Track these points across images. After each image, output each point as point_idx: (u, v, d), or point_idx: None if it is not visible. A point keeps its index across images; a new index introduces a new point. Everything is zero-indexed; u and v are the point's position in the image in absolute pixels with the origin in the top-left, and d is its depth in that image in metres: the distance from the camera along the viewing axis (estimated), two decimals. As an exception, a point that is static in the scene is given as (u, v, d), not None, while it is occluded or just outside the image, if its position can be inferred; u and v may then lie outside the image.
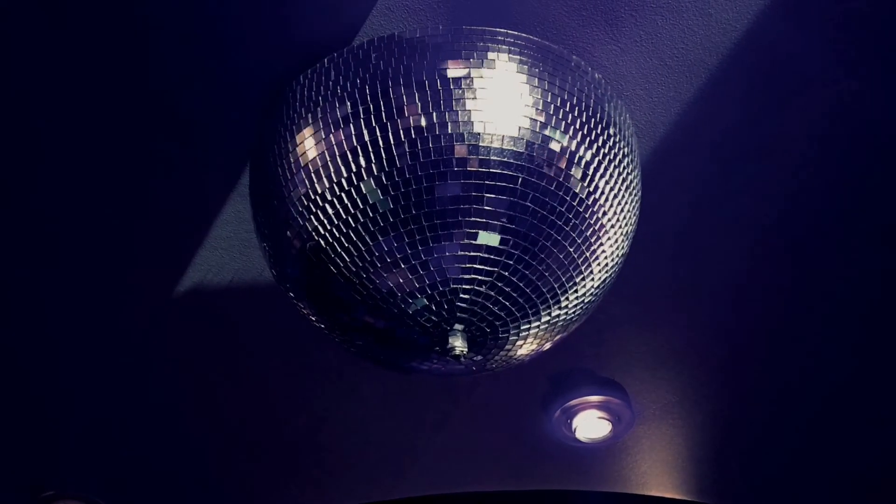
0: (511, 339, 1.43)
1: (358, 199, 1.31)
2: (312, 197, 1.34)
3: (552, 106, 1.33)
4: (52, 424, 2.14)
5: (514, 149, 1.30)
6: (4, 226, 1.68)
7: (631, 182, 1.44)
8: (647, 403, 2.18)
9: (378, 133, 1.29)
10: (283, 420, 2.19)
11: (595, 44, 1.46)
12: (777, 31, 1.46)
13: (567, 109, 1.34)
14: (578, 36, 1.45)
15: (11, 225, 1.68)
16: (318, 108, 1.35)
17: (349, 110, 1.32)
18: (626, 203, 1.42)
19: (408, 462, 2.34)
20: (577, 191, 1.34)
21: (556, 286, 1.39)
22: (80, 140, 1.56)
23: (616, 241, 1.43)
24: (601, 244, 1.40)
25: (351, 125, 1.31)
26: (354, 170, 1.31)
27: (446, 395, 2.15)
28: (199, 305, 1.87)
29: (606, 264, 1.43)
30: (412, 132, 1.29)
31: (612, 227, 1.40)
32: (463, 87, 1.30)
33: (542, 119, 1.31)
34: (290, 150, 1.37)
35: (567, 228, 1.35)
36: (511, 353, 1.46)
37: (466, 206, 1.30)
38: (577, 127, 1.34)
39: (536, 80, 1.33)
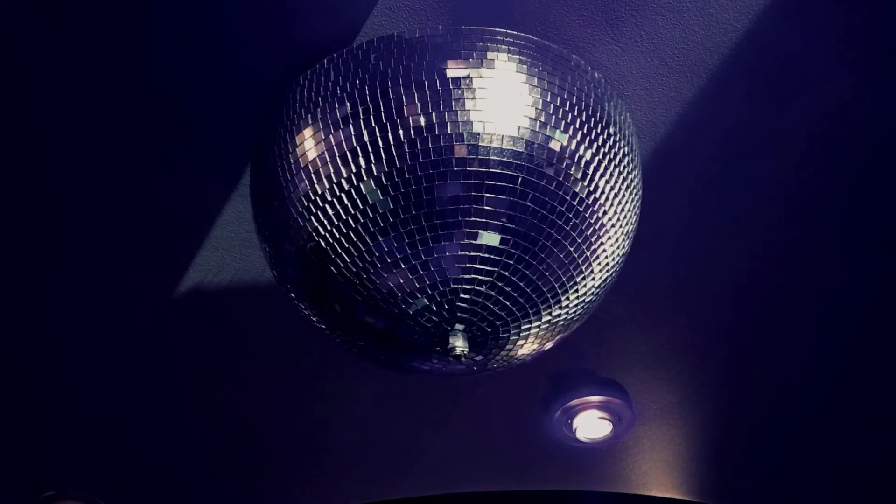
0: (512, 338, 1.43)
1: (358, 200, 1.31)
2: (312, 197, 1.34)
3: (552, 105, 1.33)
4: (52, 424, 2.14)
5: (514, 148, 1.30)
6: (4, 226, 1.68)
7: (631, 181, 1.44)
8: (648, 403, 2.18)
9: (378, 133, 1.29)
10: (284, 420, 2.19)
11: (596, 44, 1.46)
12: (777, 31, 1.46)
13: (567, 109, 1.34)
14: (579, 36, 1.45)
15: (11, 225, 1.68)
16: (318, 109, 1.35)
17: (349, 111, 1.32)
18: (626, 202, 1.42)
19: (408, 462, 2.34)
20: (577, 190, 1.34)
21: (556, 286, 1.39)
22: (80, 140, 1.56)
23: (616, 240, 1.43)
24: (602, 243, 1.40)
25: (351, 125, 1.31)
26: (354, 170, 1.31)
27: (447, 396, 2.15)
28: (199, 305, 1.87)
29: (607, 264, 1.43)
30: (412, 132, 1.29)
31: (613, 226, 1.40)
32: (463, 87, 1.30)
33: (541, 119, 1.31)
34: (291, 150, 1.37)
35: (567, 228, 1.35)
36: (512, 353, 1.46)
37: (466, 206, 1.30)
38: (577, 126, 1.34)
39: (536, 79, 1.33)
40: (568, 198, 1.34)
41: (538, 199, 1.32)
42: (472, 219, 1.30)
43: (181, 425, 2.19)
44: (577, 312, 1.46)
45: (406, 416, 2.20)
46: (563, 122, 1.33)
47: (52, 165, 1.59)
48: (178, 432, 2.21)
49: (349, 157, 1.31)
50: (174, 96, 1.51)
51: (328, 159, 1.32)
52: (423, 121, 1.29)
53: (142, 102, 1.51)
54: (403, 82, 1.30)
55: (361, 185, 1.31)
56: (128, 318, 1.89)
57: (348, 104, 1.32)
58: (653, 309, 1.94)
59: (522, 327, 1.42)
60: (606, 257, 1.42)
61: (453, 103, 1.29)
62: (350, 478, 2.40)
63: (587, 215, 1.36)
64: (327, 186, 1.33)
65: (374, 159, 1.30)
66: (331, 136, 1.32)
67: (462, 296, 1.35)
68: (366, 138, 1.30)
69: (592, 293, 1.45)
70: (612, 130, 1.39)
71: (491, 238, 1.32)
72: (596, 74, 1.42)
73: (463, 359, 1.38)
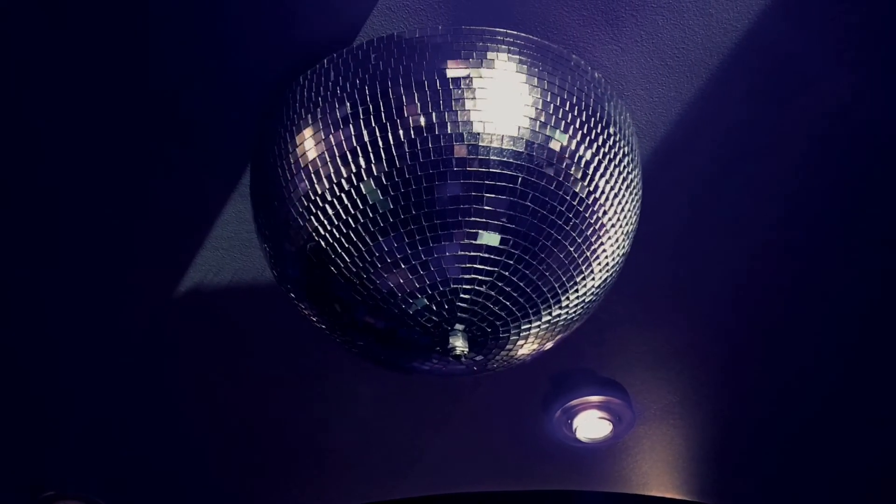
0: (512, 338, 1.43)
1: (358, 200, 1.31)
2: (312, 197, 1.34)
3: (552, 105, 1.32)
4: (52, 424, 2.14)
5: (514, 148, 1.30)
6: (4, 226, 1.68)
7: (631, 181, 1.44)
8: (648, 403, 2.18)
9: (378, 133, 1.29)
10: (284, 420, 2.19)
11: (596, 44, 1.46)
12: (777, 31, 1.46)
13: (567, 109, 1.34)
14: (579, 36, 1.45)
15: (11, 225, 1.68)
16: (319, 109, 1.35)
17: (349, 111, 1.32)
18: (626, 202, 1.42)
19: (408, 462, 2.34)
20: (577, 190, 1.34)
21: (556, 286, 1.39)
22: (80, 140, 1.56)
23: (617, 240, 1.42)
24: (602, 243, 1.40)
25: (351, 126, 1.31)
26: (354, 170, 1.31)
27: (447, 396, 2.15)
28: (199, 305, 1.87)
29: (607, 263, 1.43)
30: (412, 132, 1.29)
31: (613, 226, 1.40)
32: (462, 87, 1.30)
33: (541, 119, 1.31)
34: (290, 150, 1.37)
35: (567, 228, 1.35)
36: (512, 353, 1.46)
37: (466, 206, 1.30)
38: (577, 126, 1.34)
39: (536, 79, 1.33)
40: (568, 198, 1.34)
41: (538, 199, 1.32)
42: (472, 219, 1.30)
43: (181, 425, 2.19)
44: (578, 312, 1.46)
45: (406, 416, 2.20)
46: (563, 122, 1.33)
47: (52, 165, 1.59)
48: (178, 432, 2.21)
49: (349, 157, 1.31)
50: (174, 96, 1.51)
51: (328, 159, 1.32)
52: (423, 121, 1.29)
53: (142, 102, 1.51)
54: (403, 82, 1.30)
55: (361, 185, 1.31)
56: (128, 318, 1.89)
57: (348, 104, 1.32)
58: (653, 309, 1.94)
59: (522, 327, 1.42)
60: (606, 257, 1.42)
61: (453, 103, 1.29)
62: (350, 478, 2.40)
63: (587, 215, 1.36)
64: (327, 186, 1.33)
65: (374, 159, 1.30)
66: (331, 136, 1.32)
67: (462, 296, 1.35)
68: (366, 138, 1.30)
69: (592, 293, 1.45)
70: (612, 130, 1.39)
71: (491, 238, 1.32)
72: (596, 74, 1.42)
73: (463, 359, 1.38)
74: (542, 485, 2.43)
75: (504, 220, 1.31)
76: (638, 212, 1.49)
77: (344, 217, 1.32)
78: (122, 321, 1.89)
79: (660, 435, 2.28)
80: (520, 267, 1.35)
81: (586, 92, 1.37)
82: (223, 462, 2.32)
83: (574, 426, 2.19)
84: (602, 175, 1.36)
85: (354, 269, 1.35)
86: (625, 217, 1.43)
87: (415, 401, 2.15)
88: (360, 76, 1.32)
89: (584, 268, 1.40)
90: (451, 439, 2.27)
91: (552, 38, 1.44)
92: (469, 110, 1.29)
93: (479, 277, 1.34)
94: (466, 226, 1.31)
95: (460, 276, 1.33)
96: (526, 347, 1.46)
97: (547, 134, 1.31)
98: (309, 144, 1.34)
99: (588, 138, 1.35)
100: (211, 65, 1.46)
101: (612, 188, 1.38)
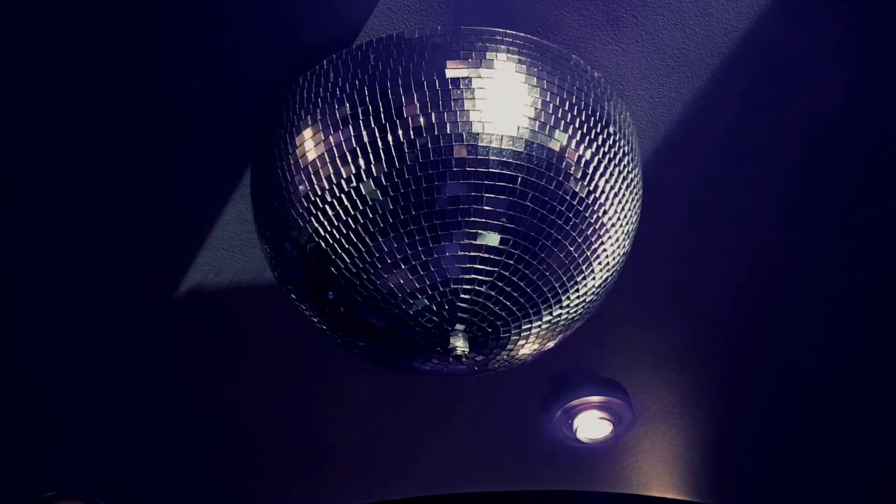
0: (512, 338, 1.43)
1: (358, 200, 1.31)
2: (313, 198, 1.34)
3: (551, 105, 1.32)
4: (52, 424, 2.14)
5: (514, 148, 1.30)
6: (4, 226, 1.68)
7: (631, 181, 1.44)
8: (648, 404, 2.18)
9: (378, 134, 1.29)
10: (284, 420, 2.19)
11: (596, 44, 1.46)
12: (777, 32, 1.46)
13: (566, 108, 1.34)
14: (579, 36, 1.45)
15: (11, 225, 1.68)
16: (318, 110, 1.35)
17: (349, 111, 1.32)
18: (626, 202, 1.42)
19: (408, 462, 2.34)
20: (577, 190, 1.34)
21: (557, 285, 1.39)
22: (81, 140, 1.56)
23: (617, 239, 1.42)
24: (602, 243, 1.40)
25: (351, 126, 1.31)
26: (354, 171, 1.31)
27: (447, 396, 2.15)
28: (200, 305, 1.87)
29: (608, 263, 1.43)
30: (412, 133, 1.29)
31: (613, 225, 1.40)
32: (462, 87, 1.30)
33: (541, 118, 1.31)
34: (291, 151, 1.37)
35: (567, 228, 1.35)
36: (513, 353, 1.46)
37: (466, 206, 1.30)
38: (577, 126, 1.34)
39: (535, 79, 1.33)
40: (568, 197, 1.34)
41: (538, 199, 1.32)
42: (472, 219, 1.30)
43: (181, 425, 2.19)
44: (578, 312, 1.46)
45: (406, 416, 2.20)
46: (563, 122, 1.33)
47: (52, 165, 1.59)
48: (178, 432, 2.21)
49: (349, 157, 1.31)
50: (174, 96, 1.51)
51: (328, 160, 1.32)
52: (422, 121, 1.29)
53: (142, 102, 1.51)
54: (403, 83, 1.30)
55: (361, 186, 1.31)
56: (128, 318, 1.89)
57: (348, 105, 1.32)
58: (653, 309, 1.94)
59: (523, 327, 1.41)
60: (607, 257, 1.42)
61: (453, 103, 1.29)
62: (350, 478, 2.39)
63: (587, 215, 1.36)
64: (327, 187, 1.33)
65: (374, 160, 1.30)
66: (331, 136, 1.32)
67: (462, 296, 1.35)
68: (366, 139, 1.30)
69: (593, 293, 1.45)
70: (612, 130, 1.39)
71: (491, 238, 1.32)
72: (596, 74, 1.42)
73: (464, 359, 1.38)
74: (543, 485, 2.43)
75: (504, 220, 1.31)
76: (638, 211, 1.49)
77: (344, 217, 1.32)
78: (122, 321, 1.89)
79: (660, 435, 2.28)
80: (520, 267, 1.35)
81: (586, 92, 1.37)
82: (223, 462, 2.32)
83: (574, 426, 2.19)
84: (602, 175, 1.36)
85: (355, 270, 1.35)
86: (625, 216, 1.43)
87: (415, 401, 2.15)
88: (360, 77, 1.32)
89: (584, 267, 1.40)
90: (451, 439, 2.27)
91: (552, 38, 1.44)
92: (469, 110, 1.29)
93: (480, 277, 1.34)
94: (466, 226, 1.31)
95: (460, 277, 1.33)
96: (527, 347, 1.46)
97: (547, 134, 1.31)
98: (309, 145, 1.34)
99: (588, 138, 1.35)
100: (211, 65, 1.46)
101: (612, 188, 1.38)
